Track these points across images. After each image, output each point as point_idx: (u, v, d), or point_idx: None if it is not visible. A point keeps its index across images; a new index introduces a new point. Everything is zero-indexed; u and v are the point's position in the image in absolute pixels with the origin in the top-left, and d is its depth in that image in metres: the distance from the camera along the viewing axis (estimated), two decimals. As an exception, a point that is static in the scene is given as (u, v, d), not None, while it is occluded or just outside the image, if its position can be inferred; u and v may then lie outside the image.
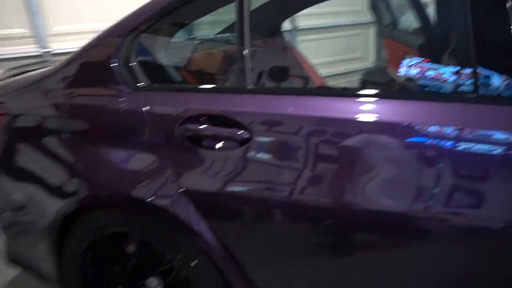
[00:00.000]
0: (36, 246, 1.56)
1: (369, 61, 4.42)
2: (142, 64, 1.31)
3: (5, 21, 2.76)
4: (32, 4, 2.78)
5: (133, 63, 1.29)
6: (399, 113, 0.97)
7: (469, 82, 1.02)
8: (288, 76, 1.81)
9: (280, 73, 1.75)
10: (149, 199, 1.18)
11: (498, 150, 0.88)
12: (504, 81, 0.96)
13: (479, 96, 0.93)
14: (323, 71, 4.05)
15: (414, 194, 0.94)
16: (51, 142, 1.39)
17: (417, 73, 1.12)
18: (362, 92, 1.04)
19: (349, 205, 1.00)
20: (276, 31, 2.08)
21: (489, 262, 0.93)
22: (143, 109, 1.20)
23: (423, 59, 1.17)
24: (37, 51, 2.88)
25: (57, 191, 1.37)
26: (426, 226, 0.95)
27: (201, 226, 1.16)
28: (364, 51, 4.44)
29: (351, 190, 0.99)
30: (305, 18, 3.85)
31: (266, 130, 1.07)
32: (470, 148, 0.89)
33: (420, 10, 2.29)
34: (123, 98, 1.25)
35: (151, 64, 1.36)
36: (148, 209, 1.21)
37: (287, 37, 3.82)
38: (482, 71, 0.95)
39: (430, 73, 1.11)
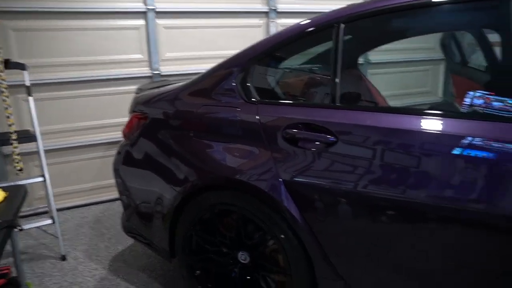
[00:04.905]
0: (150, 223, 2.01)
1: (438, 96, 4.60)
2: (254, 84, 1.75)
3: (126, 48, 3.43)
4: (151, 37, 3.44)
5: (248, 84, 1.73)
6: (448, 127, 1.28)
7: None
8: (360, 100, 2.16)
9: (353, 97, 2.10)
10: (254, 182, 1.58)
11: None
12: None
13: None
14: (394, 103, 4.31)
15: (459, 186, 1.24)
16: (179, 140, 1.86)
17: (483, 103, 1.33)
18: (425, 111, 1.37)
19: (410, 198, 1.31)
20: (353, 64, 2.45)
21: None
22: (256, 117, 1.62)
23: (488, 92, 1.37)
24: (150, 73, 3.51)
25: (177, 179, 1.82)
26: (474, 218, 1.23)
27: (291, 206, 1.52)
28: (433, 86, 4.64)
29: (410, 185, 1.30)
30: (378, 53, 4.19)
31: (349, 136, 1.43)
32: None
33: (487, 49, 2.52)
34: (240, 108, 1.69)
35: (261, 85, 1.80)
36: (252, 190, 1.60)
37: (362, 69, 4.18)
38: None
39: (498, 104, 1.30)
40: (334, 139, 1.45)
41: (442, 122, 1.32)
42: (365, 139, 1.41)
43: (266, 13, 3.82)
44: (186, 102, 1.90)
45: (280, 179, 1.54)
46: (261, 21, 3.84)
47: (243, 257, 1.78)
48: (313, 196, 1.50)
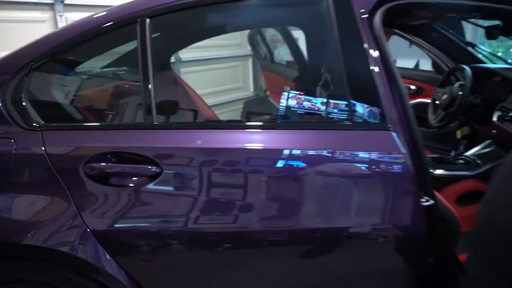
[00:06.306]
0: None
1: (250, 91, 4.75)
2: (34, 101, 1.25)
3: None
4: None
5: (24, 102, 1.22)
6: (280, 141, 1.15)
7: (336, 110, 1.23)
8: (179, 109, 1.88)
9: (170, 107, 1.80)
10: (52, 246, 1.12)
11: (365, 167, 1.10)
12: (367, 108, 1.19)
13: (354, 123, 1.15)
14: (209, 101, 4.21)
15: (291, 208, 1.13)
16: None
17: (296, 104, 1.30)
18: (253, 124, 1.25)
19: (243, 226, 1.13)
20: (165, 65, 2.14)
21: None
22: (42, 148, 1.14)
23: (299, 92, 1.34)
24: None
25: None
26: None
27: (109, 265, 1.14)
28: (244, 81, 4.75)
29: (244, 211, 1.12)
30: (188, 50, 3.98)
31: (175, 163, 1.13)
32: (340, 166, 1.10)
33: (292, 45, 2.58)
34: (16, 139, 1.17)
35: (45, 102, 1.31)
36: (50, 255, 1.14)
37: (173, 69, 3.90)
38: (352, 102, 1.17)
39: (306, 104, 1.28)
40: (158, 170, 1.12)
41: (270, 135, 1.18)
42: (200, 163, 1.13)
43: (51, 5, 3.13)
44: None
45: (88, 230, 1.13)
46: (45, 15, 3.13)
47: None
48: (138, 244, 1.16)
